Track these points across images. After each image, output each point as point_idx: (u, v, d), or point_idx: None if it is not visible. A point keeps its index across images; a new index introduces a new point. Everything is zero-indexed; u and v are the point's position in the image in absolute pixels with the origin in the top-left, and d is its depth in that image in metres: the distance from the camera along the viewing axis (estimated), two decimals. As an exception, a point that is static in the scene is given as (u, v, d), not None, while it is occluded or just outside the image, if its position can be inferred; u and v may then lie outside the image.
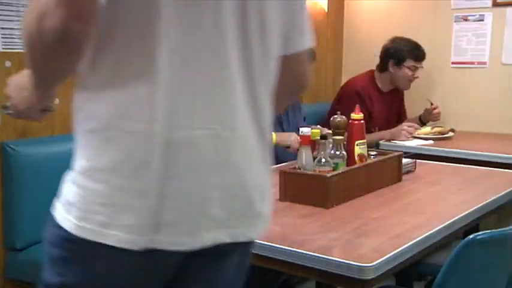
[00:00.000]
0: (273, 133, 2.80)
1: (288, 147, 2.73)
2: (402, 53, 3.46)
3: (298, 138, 2.65)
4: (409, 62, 3.46)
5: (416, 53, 3.48)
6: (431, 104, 3.61)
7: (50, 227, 1.15)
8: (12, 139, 2.39)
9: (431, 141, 3.29)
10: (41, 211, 2.44)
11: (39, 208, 2.38)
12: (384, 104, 3.59)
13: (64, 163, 2.60)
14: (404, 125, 3.41)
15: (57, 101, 2.68)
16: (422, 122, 3.66)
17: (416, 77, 3.52)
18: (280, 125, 2.92)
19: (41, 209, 2.43)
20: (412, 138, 3.35)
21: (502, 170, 2.54)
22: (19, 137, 2.43)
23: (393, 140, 3.36)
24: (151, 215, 1.02)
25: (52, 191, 2.51)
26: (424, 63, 3.90)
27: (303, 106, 3.22)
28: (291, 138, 2.72)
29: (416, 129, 3.40)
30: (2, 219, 2.39)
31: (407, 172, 2.43)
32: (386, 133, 3.43)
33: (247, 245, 1.19)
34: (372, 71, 3.63)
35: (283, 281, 2.58)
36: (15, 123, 2.42)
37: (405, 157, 2.43)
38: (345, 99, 3.49)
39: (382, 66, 3.55)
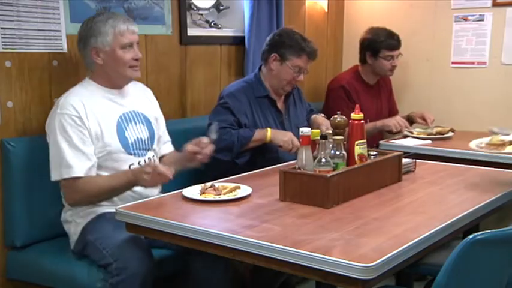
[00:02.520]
0: (269, 129, 2.81)
1: (280, 146, 2.71)
2: (376, 45, 3.48)
3: (293, 138, 2.64)
4: (384, 52, 3.48)
5: (389, 42, 3.48)
6: (424, 120, 3.59)
7: None
8: (12, 137, 2.39)
9: (430, 141, 3.29)
10: (41, 210, 2.45)
11: (39, 207, 2.38)
12: (371, 96, 3.60)
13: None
14: (398, 117, 3.46)
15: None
16: (410, 121, 3.65)
17: (395, 65, 3.52)
18: (282, 124, 2.91)
19: (41, 207, 2.44)
20: (403, 130, 3.38)
21: (502, 170, 2.54)
22: (19, 134, 2.43)
23: (384, 128, 3.41)
24: None
25: (52, 189, 2.53)
26: (424, 63, 3.91)
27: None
28: (284, 138, 2.68)
29: (406, 126, 3.41)
30: (1, 218, 2.39)
31: (407, 172, 2.43)
32: (378, 122, 3.44)
33: None
34: (356, 66, 3.66)
35: (283, 281, 2.58)
36: (15, 123, 2.42)
37: (405, 157, 2.43)
38: (332, 96, 3.53)
39: (361, 59, 3.58)
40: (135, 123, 2.40)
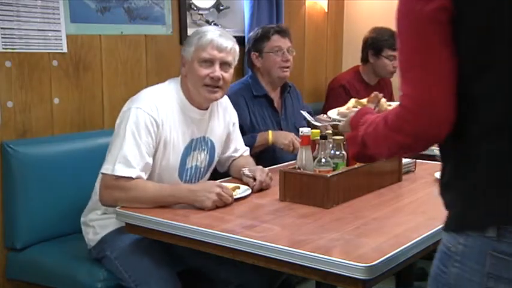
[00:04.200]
0: (270, 132, 2.80)
1: (281, 149, 2.71)
2: (379, 43, 3.47)
3: (294, 140, 2.64)
4: (387, 52, 3.47)
5: (392, 41, 3.46)
6: None
7: None
8: (12, 139, 2.39)
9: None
10: (41, 211, 2.45)
11: (39, 208, 2.38)
12: None
13: (64, 163, 2.63)
14: None
15: (56, 100, 2.70)
16: None
17: (396, 67, 3.52)
18: (278, 124, 2.92)
19: (41, 209, 2.45)
20: None
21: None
22: (19, 137, 2.43)
23: None
24: None
25: (52, 190, 2.54)
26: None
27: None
28: (285, 141, 2.68)
29: None
30: (2, 219, 2.39)
31: (407, 172, 2.43)
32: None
33: None
34: (357, 66, 3.66)
35: (283, 281, 2.58)
36: (15, 123, 2.42)
37: (405, 157, 2.43)
38: (332, 95, 3.54)
39: (363, 58, 3.58)
40: (201, 151, 2.27)
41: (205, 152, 2.29)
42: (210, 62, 2.14)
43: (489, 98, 1.12)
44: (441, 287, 1.20)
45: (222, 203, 1.95)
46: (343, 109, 1.89)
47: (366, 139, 1.30)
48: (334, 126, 2.13)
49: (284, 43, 2.90)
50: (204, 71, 2.13)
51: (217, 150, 2.36)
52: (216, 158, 2.38)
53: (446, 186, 1.22)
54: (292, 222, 1.81)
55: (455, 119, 1.15)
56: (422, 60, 1.14)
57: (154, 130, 2.08)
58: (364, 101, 1.98)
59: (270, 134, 2.74)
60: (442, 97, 1.13)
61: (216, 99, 2.23)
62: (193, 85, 2.17)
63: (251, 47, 2.94)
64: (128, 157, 2.00)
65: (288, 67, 2.90)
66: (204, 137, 2.28)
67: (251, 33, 3.01)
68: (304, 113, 2.38)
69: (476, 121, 1.13)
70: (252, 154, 2.71)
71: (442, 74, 1.13)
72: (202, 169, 2.31)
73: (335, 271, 1.48)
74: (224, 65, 2.17)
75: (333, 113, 1.87)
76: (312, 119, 2.24)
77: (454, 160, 1.20)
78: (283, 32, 2.91)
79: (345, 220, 1.82)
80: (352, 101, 1.96)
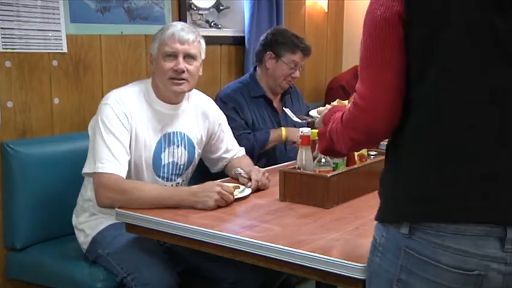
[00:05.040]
0: (283, 128, 2.84)
1: (294, 142, 2.74)
2: None
3: None
4: None
5: None
6: None
7: None
8: (12, 139, 2.39)
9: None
10: (41, 211, 2.45)
11: (39, 208, 2.38)
12: None
13: (64, 163, 2.63)
14: None
15: (56, 100, 2.70)
16: None
17: None
18: (278, 124, 2.92)
19: (41, 209, 2.44)
20: None
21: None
22: (19, 137, 2.43)
23: None
24: None
25: (52, 190, 2.53)
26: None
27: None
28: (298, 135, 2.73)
29: None
30: (2, 219, 2.39)
31: (407, 172, 2.43)
32: None
33: None
34: (357, 66, 3.65)
35: (283, 281, 2.58)
36: (15, 123, 2.42)
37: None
38: (331, 95, 3.54)
39: None
40: (177, 146, 2.26)
41: (184, 148, 2.29)
42: (173, 56, 2.16)
43: (420, 102, 1.19)
44: (369, 275, 1.34)
45: (224, 202, 1.95)
46: (322, 108, 1.96)
47: (331, 134, 1.39)
48: (312, 124, 2.14)
49: (301, 61, 2.92)
50: (168, 65, 2.15)
51: (197, 147, 2.35)
52: (197, 156, 2.37)
53: (380, 179, 1.31)
54: (292, 222, 1.81)
55: (399, 118, 1.24)
56: (377, 62, 1.23)
57: (126, 120, 2.12)
58: (346, 102, 2.04)
59: (283, 131, 2.81)
60: (391, 99, 1.22)
61: (183, 91, 2.23)
62: (160, 80, 2.19)
63: (271, 46, 2.89)
64: (116, 155, 2.04)
65: (290, 80, 2.94)
66: (179, 132, 2.28)
67: (275, 31, 2.96)
68: (287, 110, 2.42)
69: (408, 123, 1.22)
70: (265, 150, 2.75)
71: (394, 77, 1.21)
72: (182, 166, 2.30)
73: (335, 271, 1.48)
74: (188, 57, 2.18)
75: (313, 112, 1.94)
76: (293, 115, 2.33)
77: (389, 156, 1.30)
78: (307, 53, 2.93)
79: (345, 220, 1.82)
80: (335, 102, 2.02)
